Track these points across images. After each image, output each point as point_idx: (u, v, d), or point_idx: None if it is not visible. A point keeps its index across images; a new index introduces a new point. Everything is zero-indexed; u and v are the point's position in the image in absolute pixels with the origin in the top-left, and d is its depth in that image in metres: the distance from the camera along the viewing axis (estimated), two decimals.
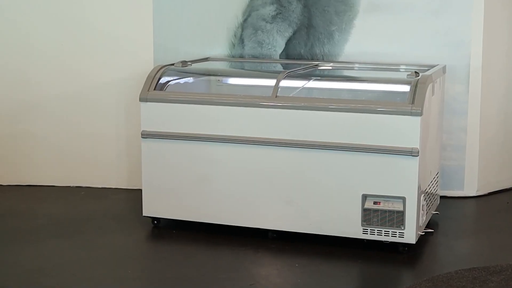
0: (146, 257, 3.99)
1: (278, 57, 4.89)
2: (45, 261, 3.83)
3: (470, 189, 4.85)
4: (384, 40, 4.73)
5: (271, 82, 4.04)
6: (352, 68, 4.68)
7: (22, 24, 5.01)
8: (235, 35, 4.93)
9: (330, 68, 4.63)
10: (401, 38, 4.71)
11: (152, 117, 4.14)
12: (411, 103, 3.71)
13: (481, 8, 4.62)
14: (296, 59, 4.86)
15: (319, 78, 4.44)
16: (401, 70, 4.48)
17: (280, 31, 4.85)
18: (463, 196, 4.84)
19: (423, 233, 3.95)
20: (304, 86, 4.26)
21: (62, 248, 4.01)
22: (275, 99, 3.93)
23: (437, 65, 4.43)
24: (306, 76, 4.34)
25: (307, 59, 4.83)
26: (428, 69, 4.23)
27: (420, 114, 3.68)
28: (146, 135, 4.16)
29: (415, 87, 3.77)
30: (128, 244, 4.09)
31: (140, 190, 4.27)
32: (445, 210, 4.51)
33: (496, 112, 4.92)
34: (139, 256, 3.98)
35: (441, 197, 4.61)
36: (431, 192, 4.19)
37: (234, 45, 4.94)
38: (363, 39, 4.77)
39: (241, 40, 4.91)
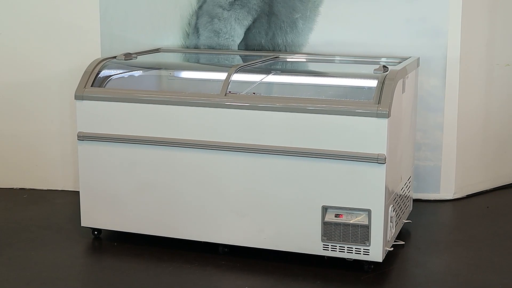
0: (82, 275, 3.60)
1: (236, 48, 4.53)
2: None
3: (447, 192, 4.55)
4: (353, 29, 4.40)
5: (225, 76, 3.60)
6: (315, 61, 4.27)
7: None
8: (189, 24, 4.56)
9: (291, 60, 4.21)
10: (372, 27, 4.39)
11: (89, 117, 3.75)
12: (377, 103, 3.28)
13: None
14: (256, 50, 4.48)
15: (278, 72, 4.03)
16: (370, 63, 4.06)
17: (238, 19, 4.46)
18: (439, 199, 4.50)
19: (392, 249, 3.53)
20: (262, 80, 3.83)
21: None
22: (225, 98, 3.50)
23: (410, 57, 4.02)
24: (263, 70, 3.93)
25: (268, 50, 4.47)
26: (400, 62, 3.81)
27: (387, 115, 3.25)
28: (83, 137, 3.75)
29: (382, 84, 3.34)
30: (63, 260, 3.70)
31: None
32: (418, 216, 4.17)
33: (475, 108, 4.62)
34: (74, 274, 3.58)
35: (415, 200, 4.30)
36: (402, 199, 3.79)
37: (188, 35, 4.52)
38: (329, 27, 4.42)
39: (196, 29, 4.52)
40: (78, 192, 4.43)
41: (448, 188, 4.51)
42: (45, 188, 4.75)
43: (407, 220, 3.97)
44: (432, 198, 4.49)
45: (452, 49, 4.32)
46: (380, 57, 4.13)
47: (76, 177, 4.64)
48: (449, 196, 4.52)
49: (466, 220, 4.28)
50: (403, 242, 3.75)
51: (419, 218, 4.14)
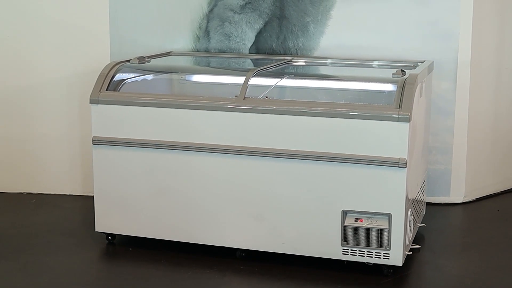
0: (97, 281, 3.56)
1: (247, 51, 4.50)
2: None
3: (457, 195, 4.53)
4: (364, 33, 4.37)
5: (239, 80, 3.61)
6: (329, 64, 4.26)
7: None
8: (200, 27, 4.52)
9: (305, 64, 4.20)
10: (383, 30, 4.36)
11: (104, 121, 3.71)
12: (398, 107, 3.27)
13: None
14: (267, 53, 4.46)
15: (292, 76, 4.00)
16: (383, 66, 4.05)
17: (249, 22, 4.43)
18: (449, 203, 4.48)
19: (410, 253, 3.53)
20: (277, 84, 3.81)
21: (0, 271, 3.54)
22: (243, 102, 3.48)
23: (424, 61, 4.03)
24: (279, 74, 3.91)
25: (280, 54, 4.43)
26: (414, 66, 3.81)
27: (408, 119, 3.25)
28: (98, 141, 3.72)
29: (402, 88, 3.33)
30: (79, 265, 3.66)
31: None
32: (431, 220, 4.16)
33: (485, 111, 4.61)
34: (89, 280, 3.54)
35: (426, 204, 4.22)
36: (418, 204, 3.78)
37: (199, 38, 4.51)
38: (341, 31, 4.39)
39: (207, 33, 4.49)
40: (87, 196, 4.44)
41: (458, 191, 4.50)
42: (53, 193, 4.70)
43: (421, 224, 3.97)
44: (442, 202, 4.48)
45: (463, 53, 4.30)
46: (394, 61, 4.11)
47: (84, 181, 4.61)
48: (459, 199, 4.50)
49: (478, 223, 4.28)
50: (419, 246, 3.74)
51: (432, 222, 4.13)
